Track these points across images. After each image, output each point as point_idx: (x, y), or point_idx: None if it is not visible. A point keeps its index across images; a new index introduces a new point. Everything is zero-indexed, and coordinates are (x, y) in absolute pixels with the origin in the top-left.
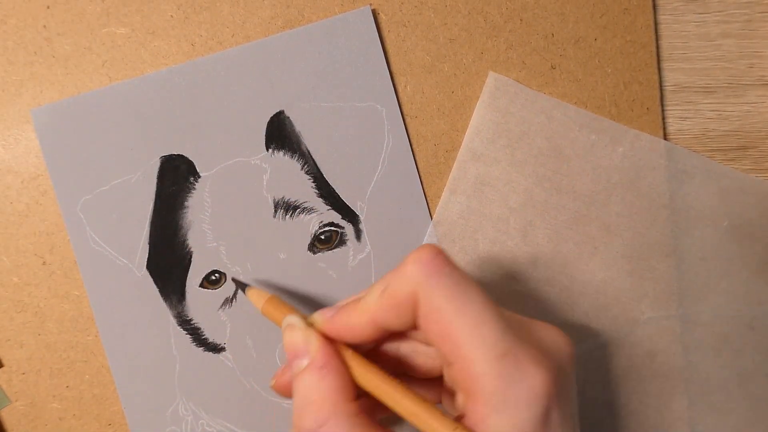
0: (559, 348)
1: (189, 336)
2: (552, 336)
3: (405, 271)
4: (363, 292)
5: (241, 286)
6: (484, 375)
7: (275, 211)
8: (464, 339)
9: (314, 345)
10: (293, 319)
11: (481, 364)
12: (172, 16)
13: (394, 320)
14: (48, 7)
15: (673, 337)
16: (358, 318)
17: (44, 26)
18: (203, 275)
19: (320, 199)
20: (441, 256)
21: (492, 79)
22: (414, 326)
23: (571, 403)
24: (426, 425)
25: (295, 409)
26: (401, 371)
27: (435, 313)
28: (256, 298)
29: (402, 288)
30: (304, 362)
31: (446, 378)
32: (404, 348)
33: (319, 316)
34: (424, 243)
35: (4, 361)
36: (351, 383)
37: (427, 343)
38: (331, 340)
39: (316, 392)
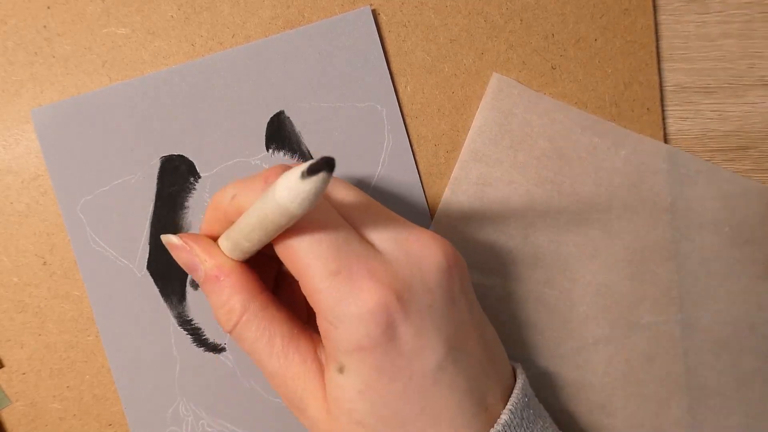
0: (424, 258)
1: (189, 336)
2: (419, 244)
3: (252, 184)
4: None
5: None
6: (318, 292)
7: None
8: (301, 257)
9: (203, 255)
10: (171, 238)
11: (317, 283)
12: (172, 17)
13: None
14: (48, 8)
15: (672, 341)
16: (213, 215)
17: (44, 26)
18: None
19: None
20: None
21: (495, 79)
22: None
23: (438, 314)
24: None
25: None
26: None
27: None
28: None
29: (248, 200)
30: (201, 275)
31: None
32: None
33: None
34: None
35: (5, 362)
36: (253, 279)
37: None
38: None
39: (222, 293)
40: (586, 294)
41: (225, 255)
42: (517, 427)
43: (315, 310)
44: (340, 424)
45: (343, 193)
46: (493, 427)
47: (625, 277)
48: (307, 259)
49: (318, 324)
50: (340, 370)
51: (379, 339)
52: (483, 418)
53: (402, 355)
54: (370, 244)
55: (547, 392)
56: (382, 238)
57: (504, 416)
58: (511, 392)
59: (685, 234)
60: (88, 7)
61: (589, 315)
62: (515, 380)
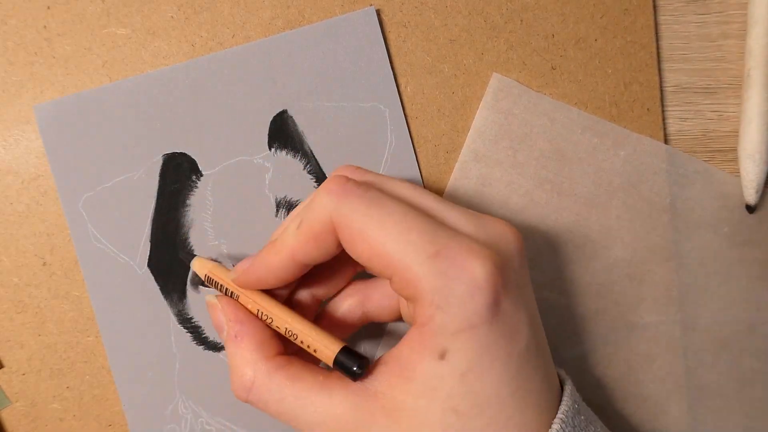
0: (504, 240)
1: (189, 334)
2: (497, 228)
3: (317, 201)
4: (275, 233)
5: (188, 258)
6: (421, 278)
7: (277, 211)
8: (393, 250)
9: (227, 317)
10: (210, 299)
11: (416, 268)
12: (172, 17)
13: (315, 252)
14: (48, 8)
15: (671, 342)
16: (276, 258)
17: (44, 26)
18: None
19: None
20: (350, 181)
21: (495, 80)
22: (334, 254)
23: (523, 293)
24: (314, 344)
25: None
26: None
27: (358, 234)
28: (199, 267)
29: (317, 218)
30: (224, 334)
31: (402, 309)
32: (362, 304)
33: (238, 268)
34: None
35: (5, 362)
36: (268, 343)
37: (373, 273)
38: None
39: (237, 358)
40: (586, 294)
41: (250, 318)
42: None
43: (415, 300)
44: (428, 421)
45: (408, 190)
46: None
47: (625, 277)
48: (400, 250)
49: (417, 314)
50: (442, 356)
51: (487, 315)
52: (552, 401)
53: (503, 334)
54: (455, 229)
55: None
56: (462, 222)
57: (555, 426)
58: (559, 396)
59: (685, 234)
60: (88, 7)
61: (588, 315)
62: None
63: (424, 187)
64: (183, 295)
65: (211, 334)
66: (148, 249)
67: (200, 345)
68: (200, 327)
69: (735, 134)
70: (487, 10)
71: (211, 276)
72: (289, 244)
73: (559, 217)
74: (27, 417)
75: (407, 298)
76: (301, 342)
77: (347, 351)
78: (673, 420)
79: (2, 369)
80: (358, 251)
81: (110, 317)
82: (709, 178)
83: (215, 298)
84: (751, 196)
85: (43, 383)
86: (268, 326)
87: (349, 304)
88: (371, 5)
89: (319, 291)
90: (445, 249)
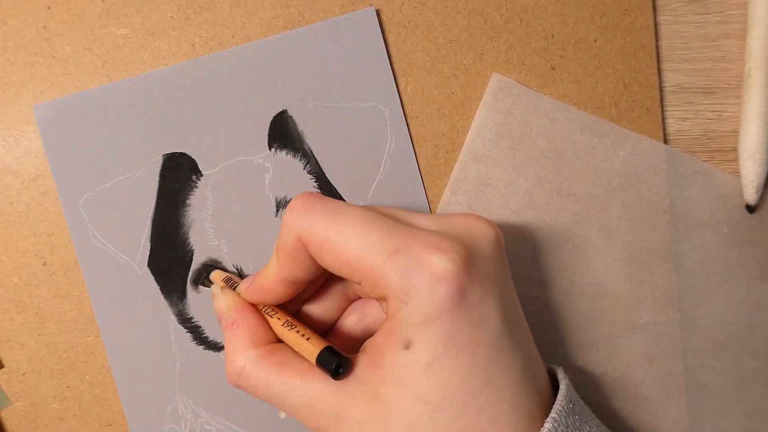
0: (473, 231)
1: (189, 334)
2: (466, 222)
3: (285, 223)
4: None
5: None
6: (383, 276)
7: (277, 211)
8: (356, 253)
9: (227, 306)
10: (215, 289)
11: (378, 268)
12: (172, 17)
13: (298, 271)
14: (48, 8)
15: (671, 342)
16: (267, 280)
17: (44, 27)
18: (204, 274)
19: None
20: (311, 196)
21: (495, 80)
22: (319, 268)
23: (494, 283)
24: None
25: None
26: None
27: (322, 245)
28: (216, 277)
29: (288, 239)
30: (223, 322)
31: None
32: (361, 320)
33: (241, 285)
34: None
35: (5, 362)
36: (260, 332)
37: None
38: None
39: (231, 344)
40: (585, 294)
41: (248, 308)
42: None
43: (384, 299)
44: (398, 408)
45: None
46: (547, 414)
47: (624, 277)
48: (362, 252)
49: (387, 312)
50: (407, 346)
51: (449, 305)
52: (536, 400)
53: (469, 323)
54: (419, 227)
55: None
56: (425, 221)
57: (547, 425)
58: (550, 395)
59: (684, 234)
60: (88, 7)
61: (588, 315)
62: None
63: (424, 188)
64: (183, 294)
65: (211, 334)
66: (148, 249)
67: (200, 345)
68: (200, 327)
69: (735, 134)
70: (487, 10)
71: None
72: (274, 269)
73: (559, 217)
74: (27, 417)
75: (378, 300)
76: (291, 342)
77: (330, 350)
78: (673, 420)
79: (2, 369)
80: (326, 261)
81: (110, 317)
82: (709, 178)
83: (218, 288)
84: (751, 196)
85: (43, 383)
86: (264, 317)
87: (350, 321)
88: (371, 5)
89: (323, 310)
90: (404, 245)
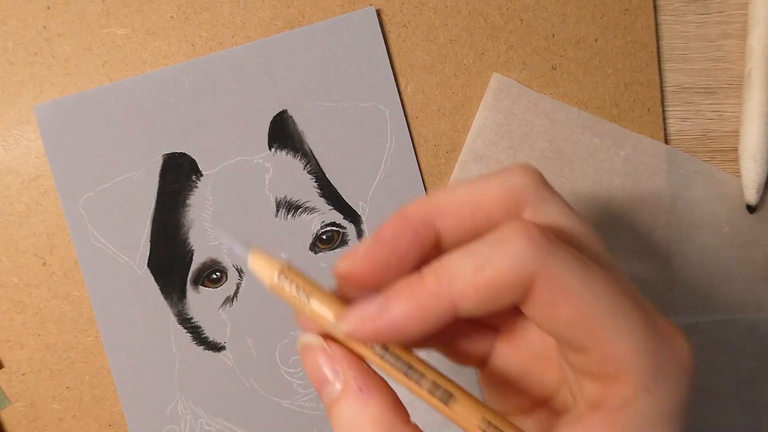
0: (675, 345)
1: (189, 334)
2: (671, 332)
3: (514, 247)
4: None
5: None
6: (633, 353)
7: (277, 211)
8: (604, 317)
9: (343, 366)
10: (310, 338)
11: (628, 342)
12: (172, 17)
13: (486, 306)
14: (48, 8)
15: None
16: (431, 303)
17: (44, 27)
18: (204, 274)
19: (322, 198)
20: (549, 231)
21: (495, 80)
22: (494, 312)
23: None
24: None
25: None
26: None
27: (563, 295)
28: (261, 267)
29: (513, 265)
30: (337, 388)
31: (567, 375)
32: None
33: (355, 317)
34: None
35: (5, 362)
36: (399, 401)
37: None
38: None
39: (360, 421)
40: None
41: (373, 372)
42: None
43: (613, 377)
44: None
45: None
46: None
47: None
48: (609, 321)
49: (607, 396)
50: None
51: (685, 403)
52: None
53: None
54: None
55: None
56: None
57: None
58: None
59: (685, 234)
60: (88, 7)
61: None
62: None
63: (425, 187)
64: (183, 295)
65: (210, 334)
66: (148, 249)
67: (200, 345)
68: (200, 327)
69: (735, 134)
70: (487, 10)
71: (296, 287)
72: (459, 288)
73: None
74: (27, 417)
75: (596, 376)
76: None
77: None
78: None
79: (2, 369)
80: (556, 314)
81: (110, 317)
82: (710, 178)
83: (317, 338)
84: (752, 196)
85: (43, 383)
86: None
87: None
88: (371, 5)
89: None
90: (653, 322)
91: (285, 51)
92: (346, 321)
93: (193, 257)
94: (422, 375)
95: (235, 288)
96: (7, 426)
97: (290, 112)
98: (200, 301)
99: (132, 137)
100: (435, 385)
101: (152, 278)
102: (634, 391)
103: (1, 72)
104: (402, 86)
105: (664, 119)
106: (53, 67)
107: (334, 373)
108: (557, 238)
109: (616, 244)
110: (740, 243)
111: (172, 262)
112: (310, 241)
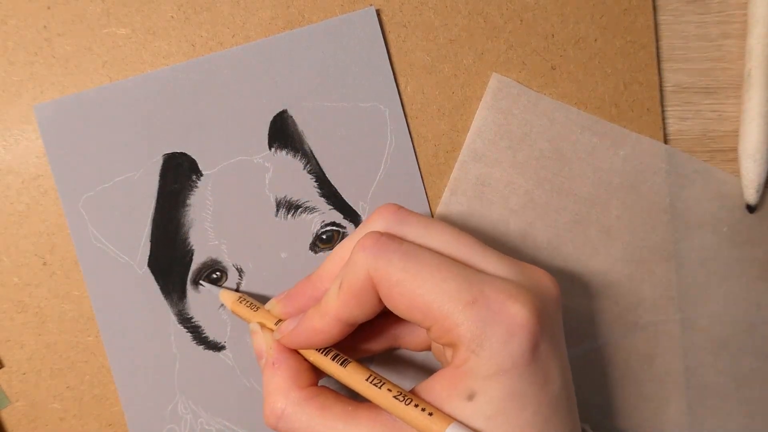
0: (542, 285)
1: (189, 334)
2: (535, 275)
3: (354, 260)
4: (300, 285)
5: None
6: (459, 325)
7: (277, 210)
8: (431, 300)
9: (267, 345)
10: (254, 326)
11: (455, 317)
12: (172, 17)
13: (358, 311)
14: (48, 8)
15: (671, 341)
16: (321, 321)
17: (45, 26)
18: (204, 274)
19: (322, 198)
20: (384, 235)
21: (495, 80)
22: (378, 310)
23: (559, 341)
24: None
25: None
26: (399, 346)
27: (395, 288)
28: (226, 298)
29: (356, 276)
30: (263, 361)
31: (432, 347)
32: (397, 328)
33: (283, 328)
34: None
35: (5, 362)
36: (302, 374)
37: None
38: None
39: (271, 385)
40: (586, 294)
41: (289, 350)
42: None
43: (453, 346)
44: None
45: (446, 236)
46: None
47: (624, 277)
48: (438, 300)
49: (453, 358)
50: (470, 397)
51: (521, 359)
52: None
53: (536, 380)
54: (493, 274)
55: None
56: (500, 267)
57: None
58: None
59: (684, 234)
60: (88, 7)
61: (588, 315)
62: None
63: (424, 187)
64: (183, 294)
65: (210, 334)
66: (148, 249)
67: (200, 345)
68: (200, 327)
69: (735, 134)
70: (487, 10)
71: (240, 310)
72: (333, 306)
73: (559, 216)
74: (27, 417)
75: (446, 346)
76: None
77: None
78: (673, 420)
79: (2, 369)
80: (396, 305)
81: (110, 317)
82: (709, 177)
83: (257, 326)
84: (751, 196)
85: (43, 383)
86: (305, 359)
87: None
88: (371, 5)
89: (362, 347)
90: (482, 295)
91: (285, 51)
92: (277, 332)
93: (193, 257)
94: (328, 350)
95: (235, 288)
96: (7, 426)
97: (290, 112)
98: (201, 300)
99: (132, 137)
100: (335, 354)
101: (152, 278)
102: (466, 355)
103: (1, 72)
104: (402, 86)
105: (663, 119)
106: (53, 67)
107: (261, 350)
108: (395, 240)
109: (615, 243)
110: (740, 242)
111: (172, 262)
112: (310, 241)
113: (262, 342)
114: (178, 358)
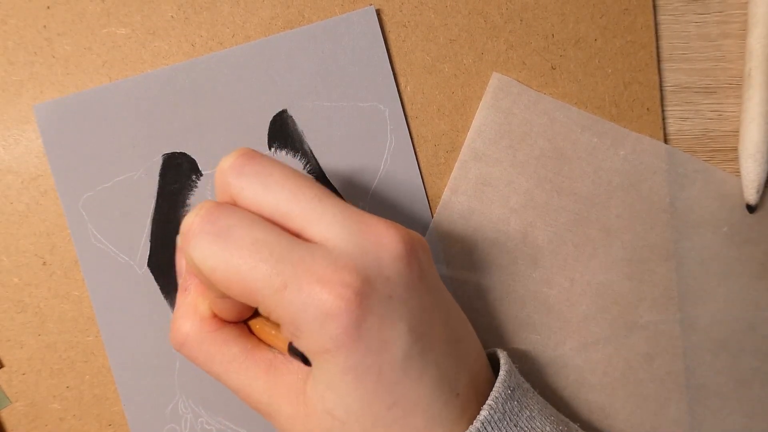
0: (378, 248)
1: None
2: (371, 236)
3: (181, 251)
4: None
5: None
6: (273, 310)
7: None
8: (245, 286)
9: (184, 268)
10: (179, 241)
11: (267, 302)
12: (172, 17)
13: (216, 290)
14: (48, 8)
15: (671, 341)
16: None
17: (44, 26)
18: None
19: None
20: (199, 215)
21: (495, 79)
22: None
23: (400, 304)
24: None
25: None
26: None
27: (212, 274)
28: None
29: (189, 264)
30: (179, 282)
31: None
32: None
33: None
34: None
35: (5, 362)
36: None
37: None
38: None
39: (179, 310)
40: (586, 293)
41: (195, 279)
42: (498, 422)
43: (280, 323)
44: (314, 415)
45: (279, 192)
46: (477, 413)
47: (624, 276)
48: (251, 284)
49: (284, 332)
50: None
51: (343, 340)
52: (455, 404)
53: (369, 352)
54: (315, 243)
55: (546, 392)
56: (331, 232)
57: (483, 413)
58: (490, 380)
59: (684, 233)
60: (88, 7)
61: (588, 315)
62: (490, 365)
63: (424, 187)
64: None
65: None
66: (148, 249)
67: None
68: None
69: (735, 134)
70: (487, 10)
71: None
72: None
73: (559, 216)
74: (27, 417)
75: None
76: (261, 332)
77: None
78: (673, 420)
79: (2, 369)
80: (224, 289)
81: (110, 317)
82: (709, 177)
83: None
84: (752, 195)
85: (43, 383)
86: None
87: None
88: (371, 5)
89: None
90: (293, 279)
91: (285, 51)
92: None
93: None
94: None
95: None
96: (7, 426)
97: (290, 112)
98: None
99: (131, 137)
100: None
101: (152, 278)
102: (289, 336)
103: (1, 72)
104: (402, 86)
105: (663, 119)
106: (53, 67)
107: (180, 270)
108: (207, 220)
109: (615, 243)
110: (739, 242)
111: (172, 262)
112: None
113: (183, 263)
114: (178, 358)
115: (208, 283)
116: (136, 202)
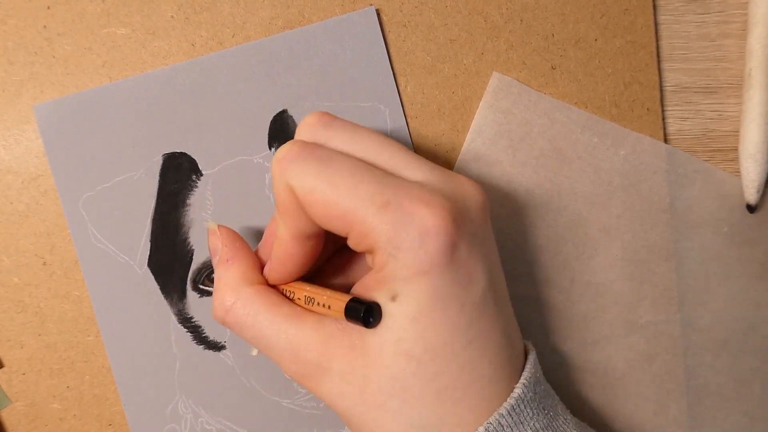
0: (463, 192)
1: (189, 334)
2: (458, 182)
3: (273, 174)
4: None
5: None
6: (373, 229)
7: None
8: (345, 205)
9: (222, 242)
10: (211, 225)
11: (368, 220)
12: (172, 17)
13: (302, 224)
14: (48, 8)
15: (671, 341)
16: (280, 247)
17: (44, 26)
18: (204, 273)
19: None
20: (298, 143)
21: (495, 79)
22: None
23: (481, 245)
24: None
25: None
26: None
27: (310, 195)
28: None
29: (280, 192)
30: (217, 258)
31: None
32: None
33: (264, 272)
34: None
35: (5, 362)
36: (254, 272)
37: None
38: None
39: (222, 280)
40: (586, 293)
41: (244, 246)
42: (530, 401)
43: (372, 252)
44: (381, 361)
45: (369, 142)
46: (518, 381)
47: (625, 276)
48: (351, 204)
49: (374, 264)
50: (393, 298)
51: (439, 260)
52: (514, 363)
53: (457, 281)
54: (413, 180)
55: None
56: (420, 175)
57: (517, 390)
58: (523, 363)
59: (684, 234)
60: (88, 7)
61: (588, 315)
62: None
63: None
64: (183, 294)
65: (211, 333)
66: (148, 249)
67: (200, 345)
68: (200, 327)
69: (735, 134)
70: (487, 10)
71: None
72: (280, 227)
73: (559, 216)
74: (27, 417)
75: (366, 252)
76: (318, 303)
77: (357, 301)
78: (673, 419)
79: (2, 369)
80: (315, 212)
81: (110, 317)
82: (709, 177)
83: (214, 225)
84: (752, 195)
85: (43, 383)
86: (258, 257)
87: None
88: (371, 5)
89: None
90: (395, 198)
91: (285, 51)
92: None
93: (193, 257)
94: (293, 291)
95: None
96: (7, 426)
97: (290, 112)
98: (201, 300)
99: (132, 137)
100: (308, 298)
101: (152, 278)
102: (384, 258)
103: (1, 72)
104: (402, 86)
105: (663, 119)
106: (53, 67)
107: (216, 248)
108: (307, 147)
109: (615, 243)
110: (740, 242)
111: (172, 262)
112: None
113: (218, 241)
114: (178, 358)
115: (297, 214)
116: (136, 202)
